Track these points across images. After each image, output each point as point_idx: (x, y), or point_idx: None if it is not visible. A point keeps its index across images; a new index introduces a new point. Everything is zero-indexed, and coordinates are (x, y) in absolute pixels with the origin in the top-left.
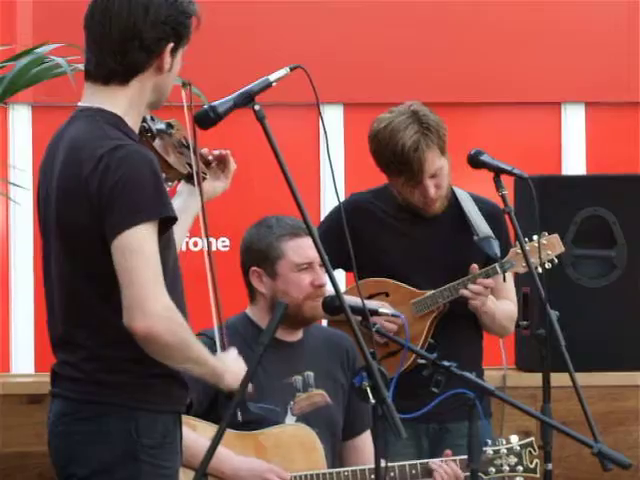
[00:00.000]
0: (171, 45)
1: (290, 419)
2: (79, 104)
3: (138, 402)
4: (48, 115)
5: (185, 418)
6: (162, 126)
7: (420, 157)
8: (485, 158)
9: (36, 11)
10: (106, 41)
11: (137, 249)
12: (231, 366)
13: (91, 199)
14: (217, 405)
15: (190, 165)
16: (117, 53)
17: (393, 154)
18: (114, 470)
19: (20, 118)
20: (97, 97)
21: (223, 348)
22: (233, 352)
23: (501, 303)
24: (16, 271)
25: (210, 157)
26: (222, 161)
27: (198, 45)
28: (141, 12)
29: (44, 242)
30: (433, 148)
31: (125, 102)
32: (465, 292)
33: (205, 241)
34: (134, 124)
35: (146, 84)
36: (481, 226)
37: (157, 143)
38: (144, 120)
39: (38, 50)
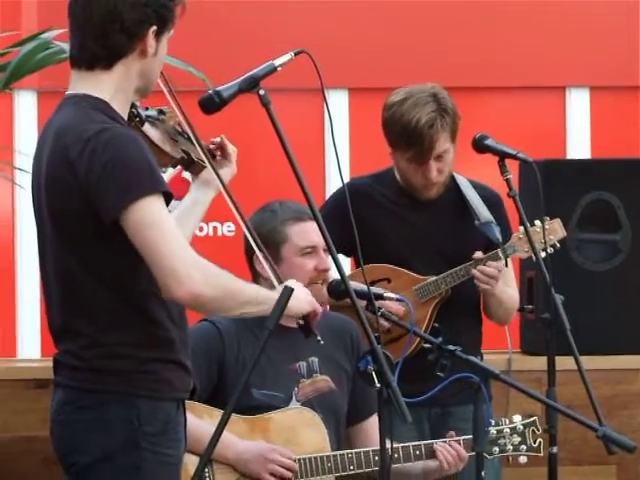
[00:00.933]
0: (154, 28)
1: (295, 405)
2: (66, 92)
3: (139, 389)
4: (53, 101)
5: (190, 403)
6: (153, 113)
7: (433, 135)
8: (490, 142)
9: None
10: (88, 25)
11: (147, 221)
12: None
13: (80, 182)
14: (221, 391)
15: (184, 151)
16: (99, 37)
17: (407, 126)
18: (116, 458)
19: (26, 104)
20: (83, 83)
21: (277, 278)
22: (290, 281)
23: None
24: (22, 255)
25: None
26: (220, 148)
27: (202, 30)
28: None
29: (39, 231)
30: (446, 131)
31: (111, 87)
32: (477, 273)
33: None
34: (121, 109)
35: (131, 69)
36: (482, 211)
37: (146, 128)
38: (133, 106)
39: (43, 36)
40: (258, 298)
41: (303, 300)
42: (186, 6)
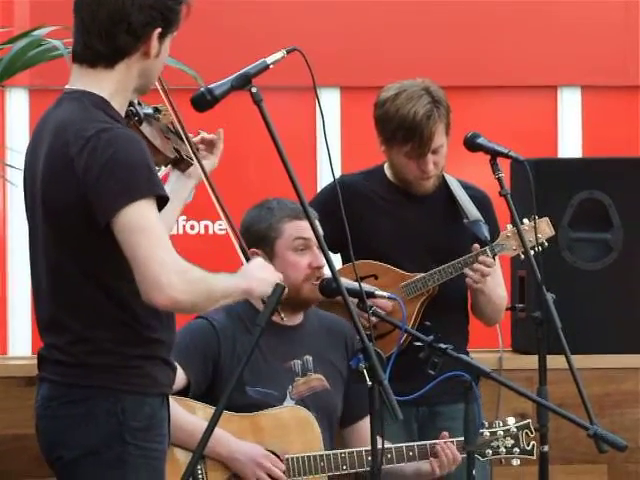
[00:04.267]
0: (159, 30)
1: (289, 403)
2: (66, 87)
3: (124, 385)
4: (45, 98)
5: (184, 399)
6: (149, 110)
7: (431, 126)
8: (481, 141)
9: None
10: (94, 23)
11: (135, 226)
12: (254, 276)
13: (78, 180)
14: (216, 388)
15: (177, 150)
16: (104, 36)
17: (404, 120)
18: (100, 452)
19: (17, 101)
20: (83, 80)
21: (245, 256)
22: (255, 260)
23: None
24: (13, 253)
25: (199, 139)
26: (212, 144)
27: (195, 28)
28: None
29: (30, 226)
30: (442, 122)
31: (111, 86)
32: (469, 272)
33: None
34: (120, 108)
35: (132, 69)
36: (471, 210)
37: (144, 127)
38: (131, 104)
39: (35, 33)
40: (227, 290)
41: (267, 281)
42: (190, 7)
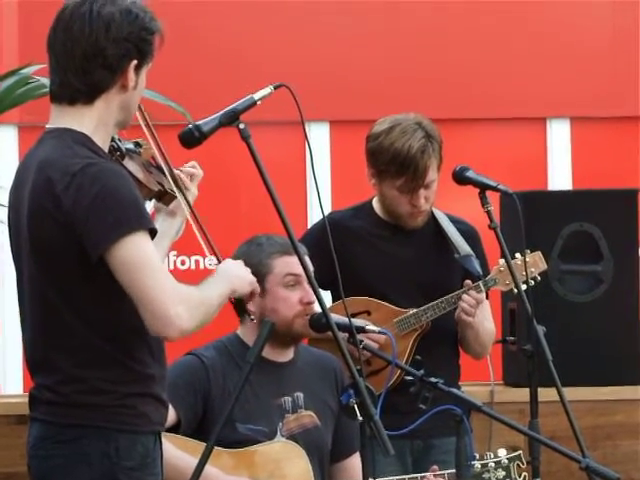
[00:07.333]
0: (134, 62)
1: (279, 440)
2: (46, 126)
3: (117, 424)
4: (35, 135)
5: (174, 437)
6: (130, 145)
7: (426, 161)
8: (470, 174)
9: (21, 32)
10: (69, 60)
11: (133, 260)
12: (233, 274)
13: (65, 217)
14: (207, 425)
15: (160, 183)
16: (80, 72)
17: (399, 154)
18: None
19: (7, 138)
20: (64, 118)
21: (217, 257)
22: (226, 261)
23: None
24: (4, 290)
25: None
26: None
27: (183, 63)
28: (102, 30)
29: (17, 266)
30: (436, 158)
31: (92, 122)
32: (464, 304)
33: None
34: (103, 143)
35: (112, 103)
36: (462, 245)
37: (127, 162)
38: (113, 140)
39: (23, 71)
40: (220, 299)
41: (245, 279)
42: (164, 37)
